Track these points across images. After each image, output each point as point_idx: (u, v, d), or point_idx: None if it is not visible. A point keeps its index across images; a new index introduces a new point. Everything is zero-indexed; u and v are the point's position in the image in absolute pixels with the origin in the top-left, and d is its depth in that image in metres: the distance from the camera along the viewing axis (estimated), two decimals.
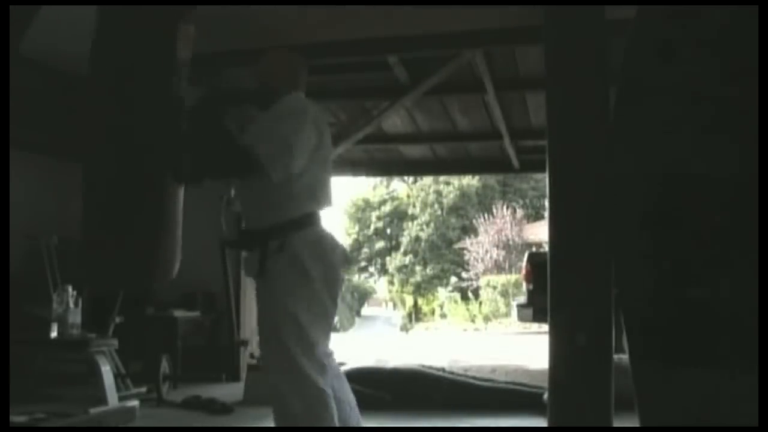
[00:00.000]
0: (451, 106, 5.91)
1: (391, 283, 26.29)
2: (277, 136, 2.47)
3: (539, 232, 18.44)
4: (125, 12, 2.65)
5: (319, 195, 2.59)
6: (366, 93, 5.78)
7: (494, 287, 18.02)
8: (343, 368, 4.75)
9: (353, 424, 2.66)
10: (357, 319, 27.80)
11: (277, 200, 2.53)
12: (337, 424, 2.46)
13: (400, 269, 24.33)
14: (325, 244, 2.55)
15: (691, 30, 2.02)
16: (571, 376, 2.77)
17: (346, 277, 29.97)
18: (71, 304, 4.25)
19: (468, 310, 18.09)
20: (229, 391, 4.79)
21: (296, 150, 2.45)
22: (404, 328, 19.54)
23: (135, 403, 3.95)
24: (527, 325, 12.38)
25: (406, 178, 24.66)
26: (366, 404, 4.26)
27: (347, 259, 2.68)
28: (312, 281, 2.46)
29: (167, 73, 2.67)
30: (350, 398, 2.70)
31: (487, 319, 17.23)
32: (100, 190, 2.73)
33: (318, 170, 2.58)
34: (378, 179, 26.21)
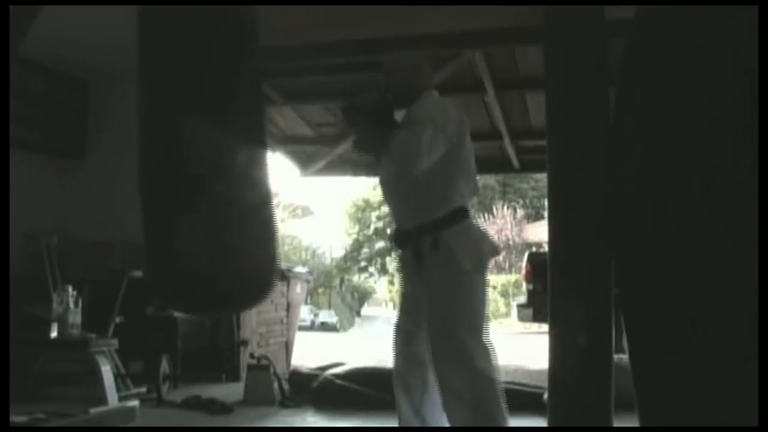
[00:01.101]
0: None
1: (391, 283, 26.28)
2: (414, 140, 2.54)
3: (539, 232, 18.46)
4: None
5: (464, 188, 2.70)
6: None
7: (494, 287, 18.03)
8: (343, 368, 4.77)
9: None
10: (357, 319, 27.81)
11: (425, 199, 2.66)
12: (504, 411, 2.57)
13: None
14: (473, 235, 2.68)
15: (691, 31, 2.03)
16: (571, 376, 2.76)
17: (346, 277, 30.03)
18: (71, 304, 4.25)
19: None
20: (229, 391, 4.79)
21: (426, 148, 2.53)
22: None
23: (135, 403, 3.95)
24: (527, 325, 12.37)
25: None
26: (366, 404, 4.28)
27: (495, 248, 2.78)
28: (466, 273, 2.58)
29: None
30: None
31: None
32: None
33: (462, 165, 2.70)
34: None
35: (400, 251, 2.83)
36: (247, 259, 2.57)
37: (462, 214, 2.67)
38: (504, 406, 2.58)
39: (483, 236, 2.74)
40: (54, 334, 4.15)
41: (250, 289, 2.70)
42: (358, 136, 2.84)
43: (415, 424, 2.74)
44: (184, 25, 2.61)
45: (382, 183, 2.89)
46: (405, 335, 2.76)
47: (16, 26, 3.25)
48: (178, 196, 2.58)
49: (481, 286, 2.66)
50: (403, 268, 2.81)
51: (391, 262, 24.96)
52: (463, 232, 2.65)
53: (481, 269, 2.65)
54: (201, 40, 2.61)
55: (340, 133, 6.48)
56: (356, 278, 30.27)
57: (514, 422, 3.92)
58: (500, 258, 19.98)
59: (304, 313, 18.04)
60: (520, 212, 21.28)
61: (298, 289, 6.90)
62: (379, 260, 27.81)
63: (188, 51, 2.60)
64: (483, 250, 2.67)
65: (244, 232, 2.55)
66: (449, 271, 2.59)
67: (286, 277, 6.63)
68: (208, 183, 2.54)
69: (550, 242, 2.88)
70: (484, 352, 2.60)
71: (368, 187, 27.61)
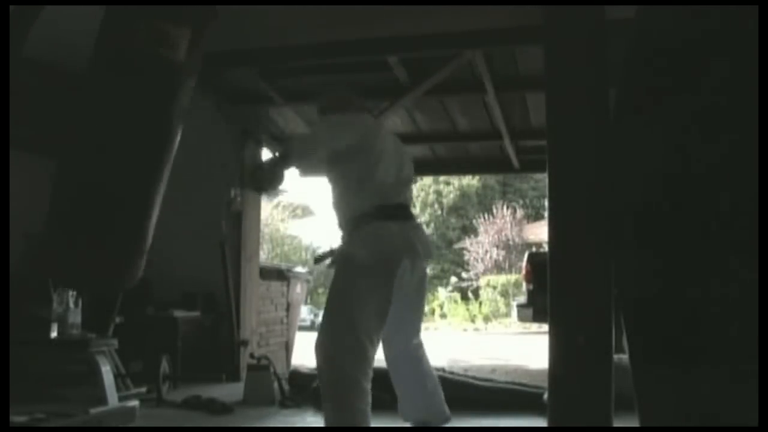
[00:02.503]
0: (451, 106, 5.91)
1: None
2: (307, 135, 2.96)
3: (539, 232, 18.45)
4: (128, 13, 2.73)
5: (368, 194, 2.87)
6: (366, 93, 5.77)
7: (494, 287, 18.02)
8: None
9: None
10: None
11: (342, 201, 2.94)
12: (361, 413, 2.64)
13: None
14: (382, 233, 2.80)
15: (691, 32, 2.02)
16: (571, 376, 2.76)
17: None
18: (71, 304, 4.25)
19: (468, 310, 18.09)
20: (229, 391, 4.79)
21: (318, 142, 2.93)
22: None
23: (135, 403, 3.95)
24: (527, 325, 12.38)
25: None
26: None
27: (395, 249, 2.86)
28: (357, 269, 2.75)
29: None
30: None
31: (487, 319, 17.23)
32: (75, 188, 2.90)
33: (364, 170, 2.88)
34: None
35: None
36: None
37: (363, 219, 2.83)
38: (363, 407, 2.62)
39: (392, 233, 2.83)
40: (54, 334, 4.15)
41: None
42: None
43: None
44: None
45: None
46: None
47: (19, 27, 3.26)
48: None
49: (371, 284, 2.73)
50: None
51: None
52: (367, 231, 2.81)
53: (380, 264, 2.75)
54: None
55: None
56: None
57: (514, 422, 3.94)
58: (500, 258, 19.97)
59: (304, 313, 18.03)
60: (520, 212, 21.27)
61: (298, 289, 6.90)
62: None
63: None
64: (378, 248, 2.77)
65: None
66: (339, 269, 2.81)
67: (286, 277, 6.63)
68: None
69: (550, 242, 2.89)
70: (354, 348, 2.65)
71: None
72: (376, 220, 2.81)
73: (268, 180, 3.02)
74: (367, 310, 2.70)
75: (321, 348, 2.70)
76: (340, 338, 2.67)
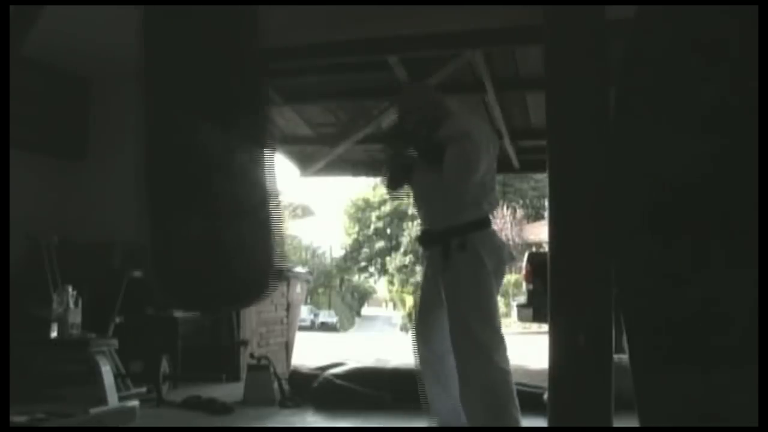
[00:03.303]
0: (451, 106, 5.91)
1: (391, 283, 26.32)
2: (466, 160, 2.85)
3: (539, 232, 18.46)
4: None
5: (491, 199, 3.01)
6: (366, 93, 5.78)
7: None
8: (343, 368, 4.77)
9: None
10: (357, 319, 27.84)
11: (456, 205, 2.93)
12: (516, 401, 2.85)
13: (400, 269, 24.33)
14: (496, 241, 2.98)
15: (692, 31, 2.02)
16: (571, 376, 2.76)
17: (346, 277, 30.04)
18: (71, 304, 4.25)
19: None
20: (229, 391, 4.79)
21: (475, 166, 2.85)
22: (404, 328, 19.54)
23: (135, 403, 3.95)
24: (527, 325, 12.39)
25: None
26: (366, 404, 4.28)
27: (512, 255, 3.14)
28: (489, 274, 2.87)
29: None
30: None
31: None
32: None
33: (490, 178, 2.99)
34: (378, 179, 26.19)
35: (427, 252, 3.11)
36: (242, 260, 2.60)
37: (488, 222, 2.99)
38: (516, 397, 2.85)
39: (503, 244, 3.06)
40: (54, 334, 4.15)
41: (245, 289, 2.73)
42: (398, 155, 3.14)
43: (446, 412, 2.98)
44: (186, 26, 2.64)
45: (418, 189, 3.13)
46: (422, 337, 3.03)
47: (20, 26, 3.26)
48: (178, 196, 2.61)
49: (496, 287, 2.95)
50: (429, 267, 3.08)
51: (391, 262, 24.97)
52: (488, 237, 2.95)
53: (498, 273, 2.95)
54: (202, 42, 2.63)
55: (339, 133, 6.48)
56: (356, 278, 30.31)
57: None
58: None
59: (304, 313, 18.06)
60: (520, 212, 21.27)
61: (298, 289, 6.91)
62: (379, 260, 27.81)
63: (190, 52, 2.62)
64: (503, 256, 2.96)
65: (241, 232, 2.57)
66: (473, 271, 2.86)
67: (286, 277, 6.63)
68: (206, 183, 2.56)
69: (550, 242, 2.88)
70: (501, 345, 2.85)
71: (368, 187, 27.64)
72: (490, 227, 3.01)
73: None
74: (497, 309, 2.97)
75: (480, 349, 2.80)
76: (491, 336, 2.84)
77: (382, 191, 26.94)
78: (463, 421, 2.93)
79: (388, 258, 25.72)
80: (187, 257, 2.61)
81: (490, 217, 3.05)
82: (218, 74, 2.63)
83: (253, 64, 2.73)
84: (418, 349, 3.02)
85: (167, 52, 2.68)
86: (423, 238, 3.15)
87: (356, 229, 27.91)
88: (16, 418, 3.21)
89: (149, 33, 2.70)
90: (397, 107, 3.25)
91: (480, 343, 2.81)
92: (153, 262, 2.74)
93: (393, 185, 3.21)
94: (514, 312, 10.72)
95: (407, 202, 3.04)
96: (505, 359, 2.87)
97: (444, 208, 2.99)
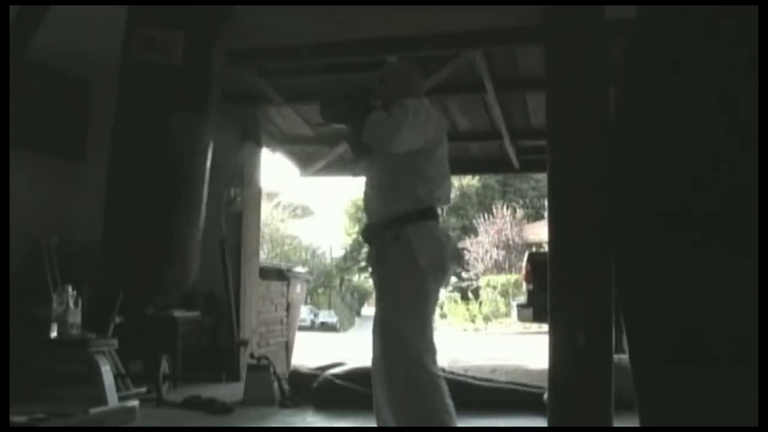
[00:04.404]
0: (451, 106, 5.91)
1: None
2: (392, 119, 2.66)
3: (539, 232, 18.45)
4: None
5: (434, 190, 2.76)
6: (366, 93, 5.76)
7: (494, 287, 18.02)
8: (343, 368, 4.77)
9: None
10: (357, 319, 27.79)
11: (391, 196, 2.74)
12: (450, 404, 2.62)
13: None
14: (436, 236, 2.73)
15: (692, 31, 2.02)
16: (571, 376, 2.76)
17: (346, 277, 30.02)
18: (71, 304, 4.25)
19: (468, 310, 18.09)
20: (229, 391, 4.79)
21: (395, 131, 2.62)
22: None
23: (135, 403, 3.95)
24: (527, 325, 12.38)
25: None
26: (366, 404, 4.28)
27: (458, 254, 2.85)
28: (423, 271, 2.63)
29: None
30: None
31: (487, 319, 17.23)
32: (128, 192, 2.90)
33: (435, 167, 2.77)
34: None
35: (370, 248, 2.92)
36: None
37: (430, 214, 2.75)
38: (449, 402, 2.61)
39: (447, 239, 2.81)
40: (54, 334, 4.15)
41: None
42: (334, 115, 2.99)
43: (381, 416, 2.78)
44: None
45: (365, 183, 2.96)
46: (372, 340, 2.83)
47: (25, 27, 3.28)
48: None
49: (434, 286, 2.72)
50: (369, 261, 2.93)
51: None
52: (427, 231, 2.70)
53: (437, 271, 2.70)
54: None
55: (340, 133, 6.48)
56: (356, 278, 30.26)
57: (514, 422, 3.94)
58: (500, 258, 19.95)
59: (304, 313, 18.03)
60: (520, 212, 21.27)
61: (298, 289, 6.91)
62: None
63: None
64: (442, 252, 2.71)
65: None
66: (403, 266, 2.65)
67: (286, 277, 6.63)
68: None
69: (550, 242, 2.88)
70: (429, 349, 2.63)
71: None
72: (431, 220, 2.75)
73: (340, 117, 2.95)
74: (431, 310, 2.73)
75: (402, 348, 2.60)
76: (420, 338, 2.63)
77: None
78: None
79: None
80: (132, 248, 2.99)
81: (435, 209, 2.80)
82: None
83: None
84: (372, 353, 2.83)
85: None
86: (364, 234, 2.93)
87: (356, 229, 27.86)
88: (16, 418, 3.21)
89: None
90: (377, 77, 3.08)
91: (407, 344, 2.59)
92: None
93: (356, 167, 3.04)
94: (514, 312, 10.71)
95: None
96: (435, 362, 2.64)
97: (380, 199, 2.80)
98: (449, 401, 2.61)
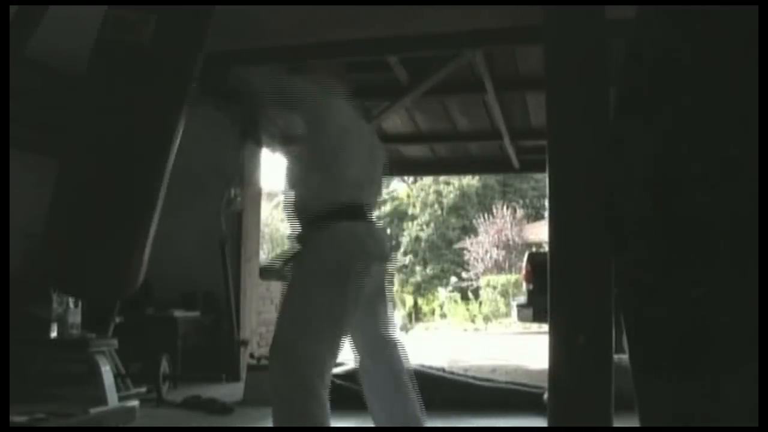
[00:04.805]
0: (451, 106, 5.92)
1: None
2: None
3: (539, 232, 18.45)
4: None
5: (342, 189, 2.53)
6: (366, 93, 5.77)
7: (494, 287, 18.00)
8: (343, 368, 4.77)
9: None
10: None
11: (299, 200, 2.55)
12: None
13: (400, 269, 24.30)
14: (339, 237, 2.47)
15: (690, 32, 2.02)
16: (571, 376, 2.76)
17: None
18: (71, 304, 4.25)
19: (468, 310, 18.08)
20: (229, 391, 4.79)
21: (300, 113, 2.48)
22: (404, 328, 19.51)
23: (135, 403, 3.95)
24: (527, 325, 12.38)
25: (406, 178, 24.66)
26: (366, 404, 4.27)
27: (365, 253, 2.52)
28: (326, 275, 2.43)
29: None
30: None
31: (487, 319, 17.22)
32: (75, 190, 2.83)
33: (329, 154, 2.55)
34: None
35: None
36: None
37: (328, 219, 2.47)
38: (323, 414, 2.37)
39: (351, 239, 2.49)
40: (54, 334, 4.15)
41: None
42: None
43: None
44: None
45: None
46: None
47: (23, 27, 3.27)
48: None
49: (340, 291, 2.44)
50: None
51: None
52: (324, 240, 2.46)
53: (338, 274, 2.43)
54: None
55: None
56: None
57: (514, 422, 3.94)
58: (500, 258, 19.95)
59: None
60: (520, 212, 21.26)
61: None
62: None
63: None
64: (353, 252, 2.46)
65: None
66: (304, 273, 2.47)
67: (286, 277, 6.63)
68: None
69: (550, 242, 2.88)
70: (317, 360, 2.39)
71: None
72: (343, 220, 2.48)
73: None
74: (327, 317, 2.44)
75: (280, 356, 2.42)
76: (301, 347, 2.38)
77: (382, 191, 26.91)
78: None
79: None
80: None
81: (343, 206, 2.50)
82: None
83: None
84: None
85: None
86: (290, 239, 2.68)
87: None
88: (16, 418, 3.21)
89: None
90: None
91: (289, 353, 2.38)
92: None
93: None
94: (514, 312, 10.71)
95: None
96: (321, 377, 2.38)
97: (293, 202, 2.60)
98: (326, 415, 2.42)
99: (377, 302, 2.68)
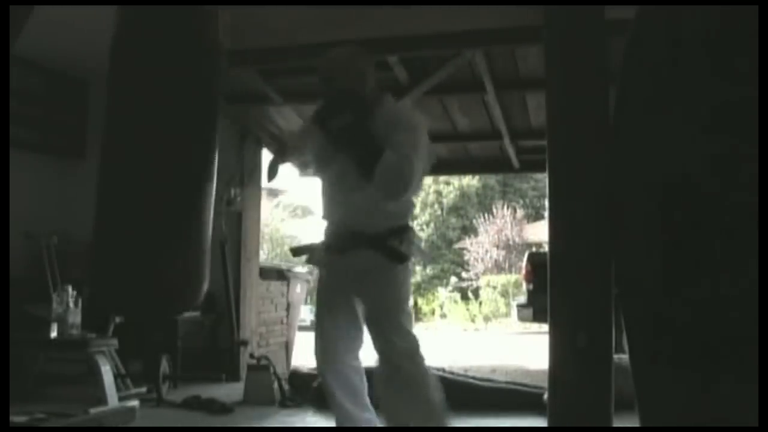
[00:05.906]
0: (451, 106, 5.91)
1: None
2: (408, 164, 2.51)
3: (539, 232, 18.44)
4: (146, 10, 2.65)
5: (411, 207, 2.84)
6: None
7: (494, 287, 18.01)
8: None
9: None
10: None
11: (395, 209, 2.67)
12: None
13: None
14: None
15: (691, 32, 2.02)
16: (571, 376, 2.76)
17: None
18: (71, 304, 4.25)
19: (468, 310, 18.08)
20: (229, 391, 4.79)
21: (410, 181, 2.55)
22: None
23: (135, 403, 3.95)
24: (527, 325, 12.37)
25: None
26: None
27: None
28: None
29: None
30: None
31: (487, 319, 17.22)
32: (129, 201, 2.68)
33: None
34: None
35: (336, 255, 2.72)
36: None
37: (409, 227, 2.77)
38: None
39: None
40: (54, 334, 4.15)
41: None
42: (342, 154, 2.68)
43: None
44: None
45: (339, 187, 2.73)
46: None
47: (12, 25, 3.26)
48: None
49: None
50: (339, 271, 2.76)
51: None
52: (410, 242, 2.71)
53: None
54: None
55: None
56: None
57: (514, 422, 3.94)
58: (500, 258, 19.96)
59: (304, 313, 17.99)
60: (520, 212, 21.27)
61: (298, 289, 6.90)
62: None
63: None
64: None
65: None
66: (401, 271, 2.70)
67: (286, 277, 6.63)
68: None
69: (550, 242, 2.89)
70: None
71: None
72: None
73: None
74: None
75: (408, 347, 2.74)
76: (414, 337, 2.75)
77: None
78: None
79: None
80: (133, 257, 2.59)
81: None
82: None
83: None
84: None
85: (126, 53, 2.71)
86: (342, 238, 2.71)
87: None
88: (16, 418, 3.21)
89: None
90: (319, 74, 2.80)
91: (411, 345, 2.81)
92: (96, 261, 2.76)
93: (272, 174, 2.88)
94: (514, 312, 10.71)
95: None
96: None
97: (372, 209, 2.64)
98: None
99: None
